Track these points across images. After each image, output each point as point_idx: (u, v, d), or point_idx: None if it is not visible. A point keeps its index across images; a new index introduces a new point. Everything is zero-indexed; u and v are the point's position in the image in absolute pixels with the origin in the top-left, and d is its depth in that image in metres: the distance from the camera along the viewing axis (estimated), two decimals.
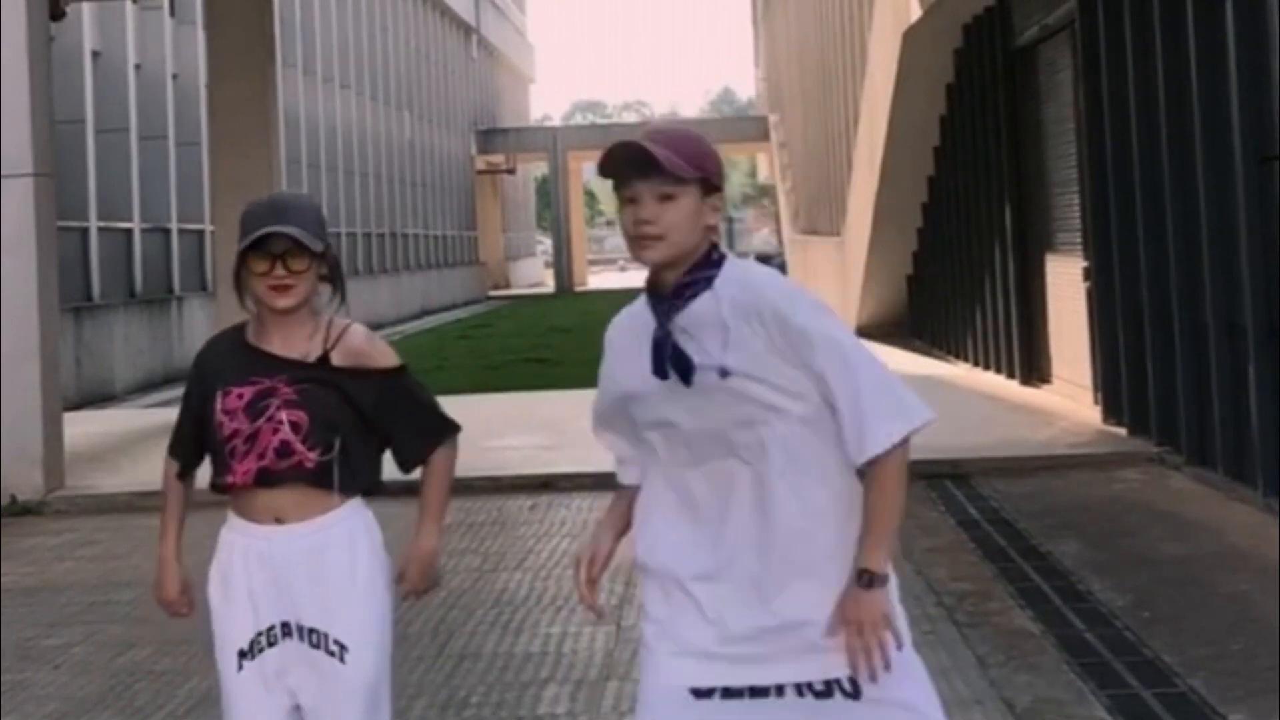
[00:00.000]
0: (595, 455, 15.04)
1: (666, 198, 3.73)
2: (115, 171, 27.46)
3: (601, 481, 13.06)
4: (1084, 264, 15.79)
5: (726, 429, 3.75)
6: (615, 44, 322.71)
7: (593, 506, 12.34)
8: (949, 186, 22.85)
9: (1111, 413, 14.65)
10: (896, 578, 3.85)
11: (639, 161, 3.71)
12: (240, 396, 4.43)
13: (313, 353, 4.49)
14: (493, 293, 67.39)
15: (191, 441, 4.62)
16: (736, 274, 3.82)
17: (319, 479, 4.44)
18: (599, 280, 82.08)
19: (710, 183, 3.80)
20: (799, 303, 3.78)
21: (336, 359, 4.49)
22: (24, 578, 10.57)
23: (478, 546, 11.01)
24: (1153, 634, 7.93)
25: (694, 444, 3.81)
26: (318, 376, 4.47)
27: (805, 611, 3.75)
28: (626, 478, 4.16)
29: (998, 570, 9.58)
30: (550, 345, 32.60)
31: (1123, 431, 14.19)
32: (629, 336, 3.92)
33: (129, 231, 27.94)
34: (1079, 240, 16.35)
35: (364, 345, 4.56)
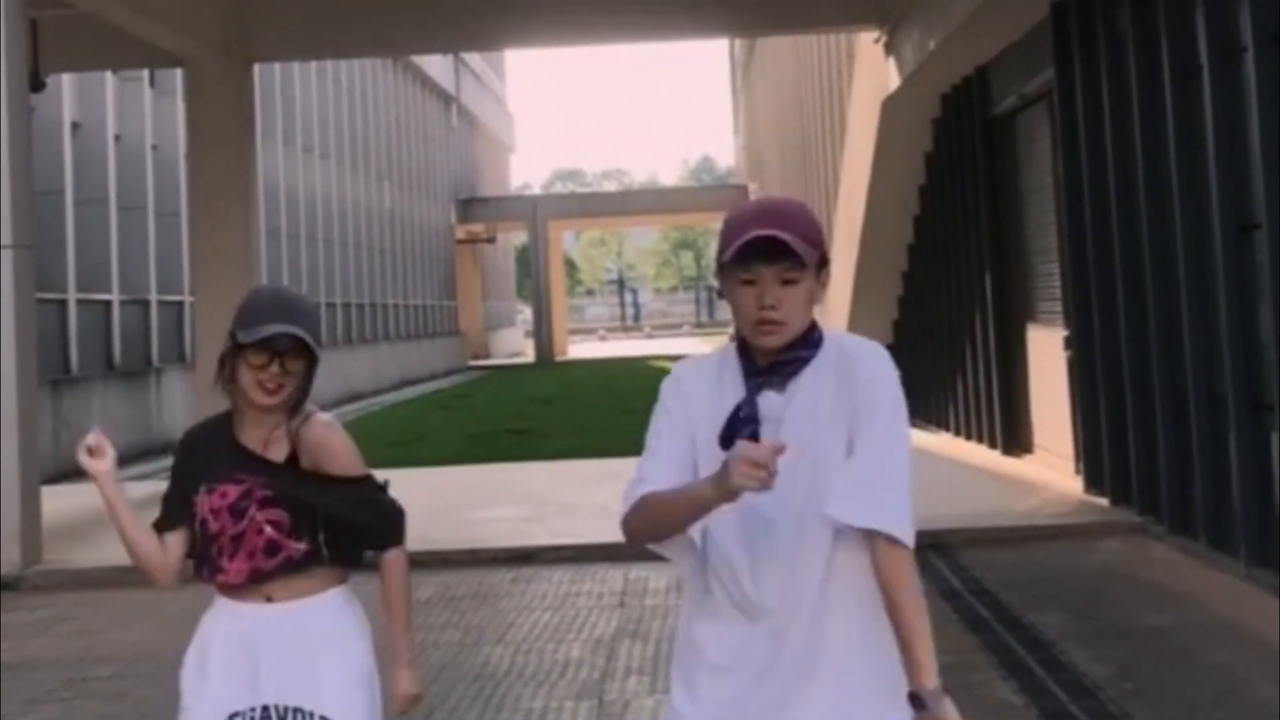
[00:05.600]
0: (576, 527, 14.92)
1: (789, 282, 3.68)
2: (94, 243, 27.43)
3: (582, 553, 13.08)
4: (1064, 333, 15.81)
5: None
6: (595, 113, 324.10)
7: (574, 579, 12.30)
8: (929, 255, 22.90)
9: (1093, 483, 14.64)
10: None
11: (767, 247, 3.66)
12: (224, 495, 4.45)
13: (281, 452, 4.49)
14: (473, 362, 67.35)
15: (179, 515, 4.58)
16: (834, 351, 3.78)
17: (311, 561, 4.46)
18: (579, 350, 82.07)
19: (824, 258, 3.77)
20: (894, 381, 3.80)
21: (303, 459, 4.49)
22: (2, 654, 10.47)
23: (458, 620, 10.95)
24: (1136, 705, 7.90)
25: None
26: (288, 478, 4.46)
27: None
28: None
29: (980, 641, 9.54)
30: (531, 416, 32.56)
31: (1104, 501, 14.17)
32: (709, 381, 3.85)
33: (108, 303, 27.90)
34: (1059, 309, 16.37)
35: (321, 434, 4.53)
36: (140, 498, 17.65)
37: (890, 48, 20.78)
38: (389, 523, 4.62)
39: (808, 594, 3.65)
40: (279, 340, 4.37)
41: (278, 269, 37.46)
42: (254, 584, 4.43)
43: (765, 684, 3.66)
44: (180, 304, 30.53)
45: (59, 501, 16.60)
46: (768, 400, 3.71)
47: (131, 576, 13.33)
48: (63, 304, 25.83)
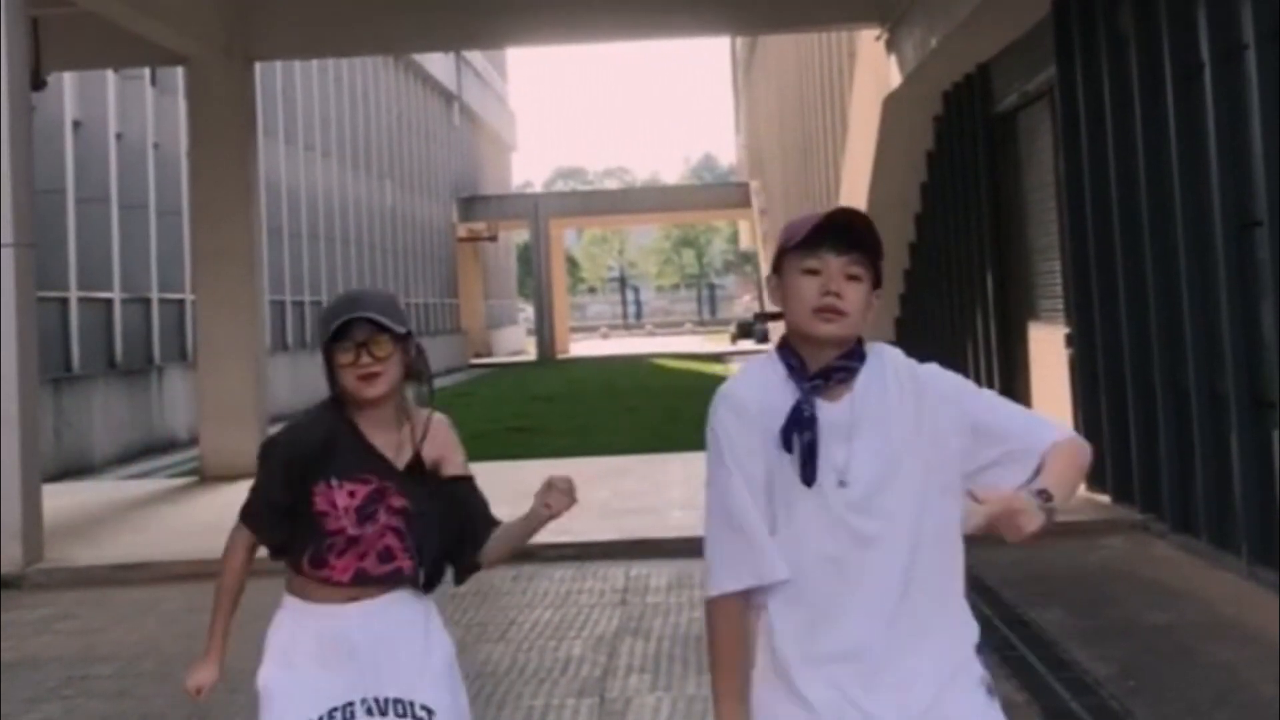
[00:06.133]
0: (577, 525, 14.90)
1: (853, 278, 3.66)
2: (96, 241, 27.42)
3: (584, 551, 13.07)
4: (1066, 331, 15.80)
5: None
6: (596, 111, 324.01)
7: (575, 577, 12.29)
8: (931, 253, 22.90)
9: (1095, 480, 14.60)
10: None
11: (842, 233, 3.65)
12: (352, 495, 4.43)
13: (406, 454, 4.52)
14: (474, 361, 67.34)
15: (284, 516, 4.52)
16: (891, 366, 3.76)
17: (410, 582, 4.51)
18: (581, 348, 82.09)
19: (879, 276, 3.74)
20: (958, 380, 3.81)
21: (426, 453, 4.54)
22: (3, 652, 10.46)
23: (459, 618, 10.92)
24: (1138, 703, 7.89)
25: None
26: (418, 485, 4.51)
27: None
28: None
29: (982, 639, 9.51)
30: (532, 414, 32.56)
31: (1106, 499, 14.15)
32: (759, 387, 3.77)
33: (109, 301, 27.88)
34: (1061, 307, 16.37)
35: (447, 437, 4.65)
36: (140, 496, 17.66)
37: (891, 45, 20.78)
38: (488, 522, 4.68)
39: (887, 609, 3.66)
40: (355, 331, 4.39)
41: (279, 267, 37.49)
42: (354, 585, 4.44)
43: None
44: (181, 302, 30.53)
45: (60, 500, 16.61)
46: (824, 408, 3.67)
47: (132, 574, 13.33)
48: (64, 302, 25.82)
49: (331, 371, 4.48)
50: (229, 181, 20.22)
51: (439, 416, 4.63)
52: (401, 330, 4.47)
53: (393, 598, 4.50)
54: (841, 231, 3.66)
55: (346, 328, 4.40)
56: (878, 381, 3.70)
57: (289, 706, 4.41)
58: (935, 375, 3.77)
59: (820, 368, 3.68)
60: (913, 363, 3.79)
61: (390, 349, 4.44)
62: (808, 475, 3.62)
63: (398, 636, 4.48)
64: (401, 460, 4.51)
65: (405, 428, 4.54)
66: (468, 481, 4.66)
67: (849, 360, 3.69)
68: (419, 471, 4.53)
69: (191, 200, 22.53)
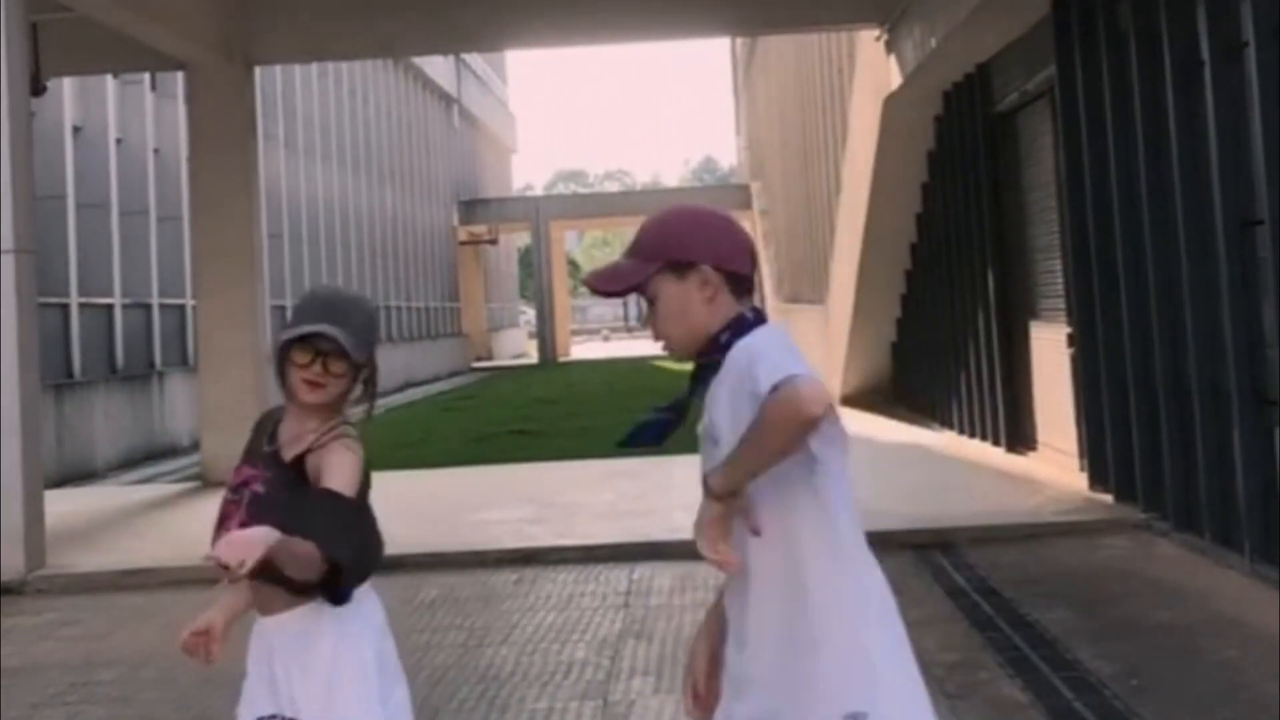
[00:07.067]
0: (580, 528, 14.88)
1: (651, 301, 3.82)
2: (96, 247, 27.42)
3: (586, 554, 13.07)
4: (1068, 330, 15.79)
5: None
6: (597, 113, 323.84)
7: (578, 580, 12.28)
8: (932, 253, 22.88)
9: (1097, 480, 14.61)
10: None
11: (598, 288, 3.89)
12: (239, 474, 4.49)
13: (295, 450, 4.47)
14: (476, 364, 67.31)
15: None
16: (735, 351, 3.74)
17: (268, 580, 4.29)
18: (583, 350, 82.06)
19: (678, 263, 3.76)
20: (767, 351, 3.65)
21: (311, 460, 4.42)
22: (5, 658, 10.45)
23: (462, 622, 10.92)
24: (1142, 702, 7.89)
25: None
26: (281, 480, 4.44)
27: None
28: None
29: (986, 640, 9.53)
30: (534, 417, 32.53)
31: (1109, 498, 14.14)
32: None
33: (110, 307, 27.88)
34: (1062, 306, 16.35)
35: (338, 458, 4.39)
36: (142, 501, 17.69)
37: (891, 46, 20.76)
38: (343, 538, 4.30)
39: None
40: (322, 340, 4.37)
41: (280, 272, 37.46)
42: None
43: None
44: (182, 307, 30.52)
45: (62, 506, 16.60)
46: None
47: (135, 580, 13.34)
48: (65, 308, 25.82)
49: (283, 361, 4.47)
50: (229, 186, 20.21)
51: (344, 441, 4.43)
52: (361, 359, 4.45)
53: (297, 614, 4.42)
54: (597, 288, 3.89)
55: (314, 333, 4.39)
56: (725, 370, 3.74)
57: (241, 708, 4.52)
58: (737, 353, 3.73)
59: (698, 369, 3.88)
60: (734, 353, 3.75)
61: (345, 369, 4.44)
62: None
63: (302, 656, 4.41)
64: (292, 453, 4.47)
65: (314, 433, 4.46)
66: (329, 495, 4.29)
67: (708, 355, 3.81)
68: (298, 469, 4.44)
69: (192, 205, 22.52)
